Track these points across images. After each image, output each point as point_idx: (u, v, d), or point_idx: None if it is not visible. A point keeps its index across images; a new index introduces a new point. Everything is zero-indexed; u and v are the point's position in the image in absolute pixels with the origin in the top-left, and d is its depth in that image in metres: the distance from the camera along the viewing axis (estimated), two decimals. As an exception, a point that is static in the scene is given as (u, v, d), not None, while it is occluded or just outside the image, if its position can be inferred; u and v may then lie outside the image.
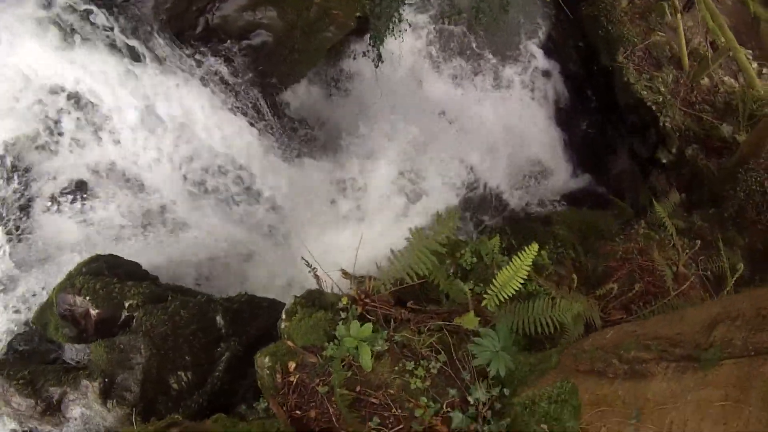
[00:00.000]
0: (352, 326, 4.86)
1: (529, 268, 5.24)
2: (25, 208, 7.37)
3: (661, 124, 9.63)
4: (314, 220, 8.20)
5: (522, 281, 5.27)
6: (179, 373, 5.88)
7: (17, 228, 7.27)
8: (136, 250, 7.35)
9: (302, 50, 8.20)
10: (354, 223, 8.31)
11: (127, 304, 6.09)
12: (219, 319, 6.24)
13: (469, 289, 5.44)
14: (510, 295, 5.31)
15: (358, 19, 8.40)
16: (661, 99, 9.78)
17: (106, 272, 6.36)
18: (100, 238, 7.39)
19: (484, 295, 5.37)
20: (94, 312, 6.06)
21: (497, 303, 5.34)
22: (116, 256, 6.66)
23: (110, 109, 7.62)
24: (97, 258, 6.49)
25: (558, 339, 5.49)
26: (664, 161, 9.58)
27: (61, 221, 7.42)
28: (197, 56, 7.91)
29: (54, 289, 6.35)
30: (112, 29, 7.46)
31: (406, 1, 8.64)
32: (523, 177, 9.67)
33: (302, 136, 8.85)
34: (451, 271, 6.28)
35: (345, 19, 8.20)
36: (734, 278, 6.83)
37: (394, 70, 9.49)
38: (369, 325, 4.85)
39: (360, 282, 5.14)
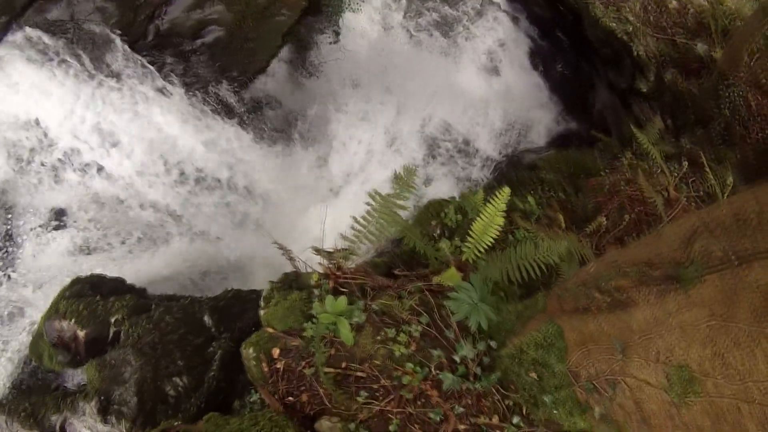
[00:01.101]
0: (326, 302, 4.50)
1: (503, 214, 4.85)
2: (9, 245, 7.12)
3: (635, 53, 9.12)
4: (300, 202, 7.83)
5: (499, 228, 4.88)
6: (174, 378, 5.57)
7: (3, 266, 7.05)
8: (121, 267, 7.06)
9: (257, 38, 7.83)
10: (338, 200, 7.94)
11: (112, 320, 5.79)
12: (207, 318, 5.91)
13: (454, 246, 5.08)
14: (489, 244, 4.93)
15: (308, -1, 7.97)
16: (631, 28, 9.25)
17: (89, 292, 6.06)
18: (85, 260, 7.10)
19: (463, 249, 4.98)
20: (81, 333, 5.76)
21: (477, 255, 4.95)
22: (98, 275, 6.36)
23: (78, 133, 7.34)
24: (77, 281, 6.19)
25: (554, 283, 5.12)
26: (644, 90, 9.07)
27: (46, 251, 7.16)
28: (154, 65, 7.56)
29: (41, 318, 6.08)
30: (66, 55, 7.17)
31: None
32: (505, 128, 9.18)
33: (276, 124, 8.45)
34: (438, 231, 5.92)
35: (296, 0, 7.78)
36: (725, 194, 6.42)
37: (361, 42, 9.07)
38: (343, 298, 4.48)
39: (330, 256, 4.75)
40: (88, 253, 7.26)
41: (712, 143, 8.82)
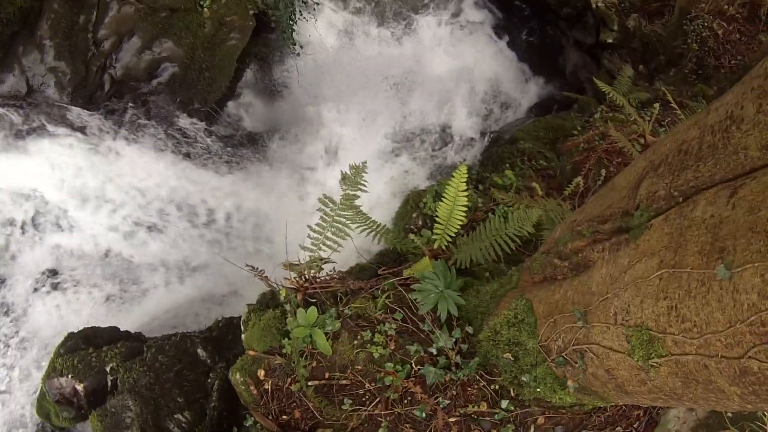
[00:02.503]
0: (298, 315, 4.28)
1: (466, 194, 4.58)
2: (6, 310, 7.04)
3: (593, 5, 8.75)
4: (287, 221, 7.62)
5: (464, 209, 4.61)
6: (176, 415, 5.38)
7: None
8: (115, 315, 6.93)
9: (212, 67, 7.61)
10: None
11: (108, 369, 5.62)
12: (200, 351, 5.73)
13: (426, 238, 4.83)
14: (459, 227, 4.66)
15: (257, 16, 7.73)
16: (585, -18, 8.91)
17: (83, 346, 5.91)
18: (80, 315, 6.99)
19: (433, 236, 4.72)
20: (80, 387, 5.60)
21: (449, 239, 4.70)
22: (91, 328, 6.20)
23: (55, 193, 7.26)
24: (70, 336, 6.04)
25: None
26: (610, 41, 8.69)
27: (42, 312, 7.05)
28: (116, 113, 7.43)
29: (42, 379, 5.95)
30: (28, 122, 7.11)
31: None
32: (482, 108, 8.89)
33: (250, 147, 8.25)
34: (419, 222, 5.68)
35: (243, 22, 7.56)
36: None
37: (323, 50, 8.81)
38: (313, 309, 4.25)
39: (295, 269, 4.53)
40: (82, 307, 7.16)
41: (686, 81, 8.49)
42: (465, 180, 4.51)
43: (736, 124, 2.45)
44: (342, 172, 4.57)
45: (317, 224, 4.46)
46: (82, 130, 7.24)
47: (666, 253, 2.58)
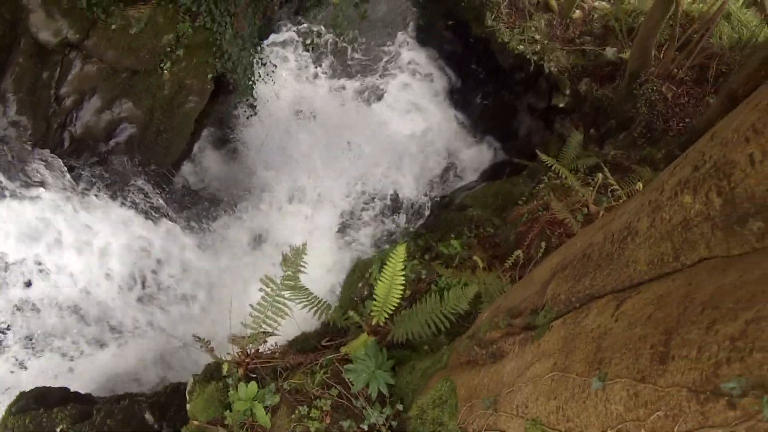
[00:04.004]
0: (240, 389, 4.54)
1: (402, 273, 4.90)
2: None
3: (546, 71, 9.27)
4: (239, 282, 7.89)
5: (401, 288, 4.92)
6: (123, 482, 5.58)
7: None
8: (66, 375, 7.07)
9: (170, 129, 7.93)
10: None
11: (58, 430, 5.81)
12: (148, 416, 5.93)
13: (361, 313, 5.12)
14: (396, 304, 4.97)
15: (216, 79, 8.08)
16: (539, 47, 9.43)
17: (34, 406, 6.08)
18: (30, 372, 7.12)
19: (371, 313, 5.03)
20: (31, 448, 5.79)
21: (387, 316, 5.00)
22: (42, 388, 6.36)
23: (7, 249, 7.41)
24: (21, 396, 6.21)
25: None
26: (562, 105, 9.21)
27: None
28: (74, 170, 7.67)
29: (-7, 438, 6.10)
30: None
31: (260, 47, 8.35)
32: (435, 172, 9.30)
33: (206, 207, 8.53)
34: (365, 292, 5.98)
35: (201, 85, 7.91)
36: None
37: (280, 110, 9.19)
38: (254, 384, 4.52)
39: (238, 343, 4.80)
40: (29, 367, 7.28)
41: (635, 145, 8.93)
42: (402, 260, 4.83)
43: (632, 236, 2.79)
44: (283, 253, 4.88)
45: (258, 303, 4.74)
46: (40, 184, 7.46)
47: (559, 356, 2.91)
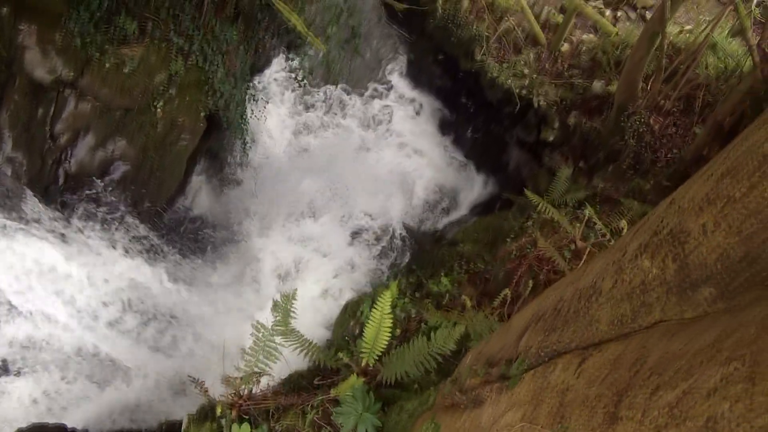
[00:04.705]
0: (233, 430, 4.76)
1: (390, 317, 5.14)
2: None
3: (535, 105, 9.56)
4: (232, 322, 8.10)
5: (389, 330, 5.16)
6: None
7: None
8: (65, 411, 7.26)
9: (162, 167, 8.20)
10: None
11: (53, 470, 6.00)
12: (142, 458, 6.13)
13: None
14: (385, 346, 5.20)
15: (208, 117, 8.36)
16: (527, 81, 9.72)
17: (32, 441, 6.28)
18: (32, 408, 7.31)
19: (361, 355, 5.26)
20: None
21: (377, 357, 5.23)
22: (39, 424, 6.57)
23: (4, 284, 7.61)
24: (18, 432, 6.43)
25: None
26: (551, 138, 9.49)
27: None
28: (69, 207, 7.91)
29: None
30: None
31: (252, 84, 8.64)
32: (427, 207, 9.57)
33: (199, 245, 8.77)
34: (357, 331, 6.21)
35: (194, 123, 8.19)
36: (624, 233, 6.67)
37: (273, 147, 9.47)
38: (246, 425, 4.74)
39: (234, 384, 5.03)
40: (30, 398, 7.45)
41: (623, 177, 9.16)
42: (390, 303, 5.07)
43: (596, 295, 3.02)
44: (273, 300, 5.13)
45: (250, 347, 4.97)
46: (35, 221, 7.68)
47: (528, 407, 3.14)
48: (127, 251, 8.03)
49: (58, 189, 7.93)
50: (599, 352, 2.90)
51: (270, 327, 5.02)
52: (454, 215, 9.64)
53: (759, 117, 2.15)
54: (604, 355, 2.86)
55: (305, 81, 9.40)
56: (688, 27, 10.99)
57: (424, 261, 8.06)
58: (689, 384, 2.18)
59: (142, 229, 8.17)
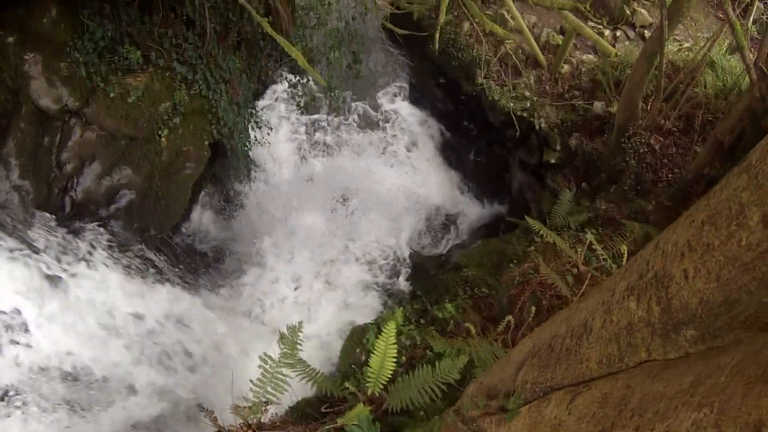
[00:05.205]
0: (242, 464, 4.98)
1: (394, 347, 5.36)
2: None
3: (537, 127, 9.79)
4: (237, 343, 8.33)
5: (394, 359, 5.39)
6: None
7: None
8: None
9: (168, 195, 8.45)
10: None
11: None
12: (151, 486, 6.34)
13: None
14: (390, 375, 5.43)
15: (212, 145, 8.63)
16: (529, 104, 9.97)
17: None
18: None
19: (367, 383, 5.48)
20: None
21: (382, 386, 5.45)
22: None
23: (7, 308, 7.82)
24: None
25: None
26: (553, 161, 9.71)
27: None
28: (76, 234, 8.15)
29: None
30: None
31: (255, 110, 8.91)
32: (430, 232, 9.81)
33: (206, 271, 9.01)
34: (363, 358, 6.43)
35: (198, 151, 8.45)
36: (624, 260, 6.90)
37: (276, 171, 9.72)
38: (255, 459, 4.96)
39: (243, 414, 5.25)
40: (37, 424, 7.64)
41: (625, 198, 9.36)
42: (394, 334, 5.31)
43: (587, 334, 3.23)
44: (280, 332, 5.36)
45: (258, 379, 5.21)
46: (42, 249, 7.92)
47: (524, 443, 3.38)
48: (132, 277, 8.25)
49: (65, 216, 8.16)
50: (589, 390, 3.09)
51: (277, 359, 5.24)
52: (459, 238, 9.87)
53: (738, 164, 2.29)
54: (593, 392, 3.05)
55: (308, 105, 9.65)
56: (687, 44, 11.23)
57: (429, 286, 8.27)
58: (665, 427, 2.40)
59: (148, 256, 8.40)
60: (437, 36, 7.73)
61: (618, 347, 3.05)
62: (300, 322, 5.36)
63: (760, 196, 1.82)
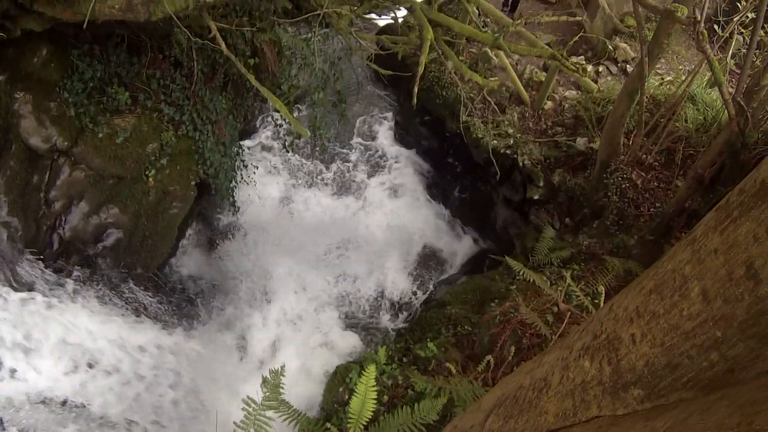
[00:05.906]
0: None
1: (375, 389, 5.63)
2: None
3: (520, 164, 10.09)
4: (226, 382, 8.53)
5: (374, 401, 5.65)
6: None
7: None
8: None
9: (154, 234, 8.70)
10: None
11: None
12: None
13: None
14: (370, 416, 5.69)
15: (198, 185, 8.91)
16: (512, 141, 10.28)
17: None
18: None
19: (348, 424, 5.74)
20: None
21: (363, 426, 5.72)
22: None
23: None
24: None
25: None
26: (537, 197, 9.98)
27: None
28: (63, 272, 8.37)
29: None
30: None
31: (241, 150, 9.20)
32: (415, 267, 10.06)
33: (190, 309, 9.23)
34: (346, 397, 6.68)
35: (185, 191, 8.73)
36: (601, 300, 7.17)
37: (262, 211, 9.98)
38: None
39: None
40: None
41: (608, 233, 9.64)
42: (374, 377, 5.58)
43: (547, 388, 3.50)
44: (263, 376, 5.63)
45: (242, 421, 5.46)
46: (29, 285, 8.12)
47: (489, 493, 3.65)
48: (119, 315, 8.44)
49: (53, 254, 8.39)
50: (547, 443, 3.37)
51: (260, 402, 5.50)
52: (443, 275, 10.13)
53: (686, 235, 2.52)
54: (549, 445, 3.33)
55: (293, 145, 9.95)
56: (668, 78, 11.60)
57: (412, 324, 8.52)
58: (606, 483, 2.69)
59: (135, 294, 8.61)
60: (415, 90, 8.00)
61: (573, 402, 3.33)
62: (282, 366, 5.62)
63: (700, 270, 2.05)
